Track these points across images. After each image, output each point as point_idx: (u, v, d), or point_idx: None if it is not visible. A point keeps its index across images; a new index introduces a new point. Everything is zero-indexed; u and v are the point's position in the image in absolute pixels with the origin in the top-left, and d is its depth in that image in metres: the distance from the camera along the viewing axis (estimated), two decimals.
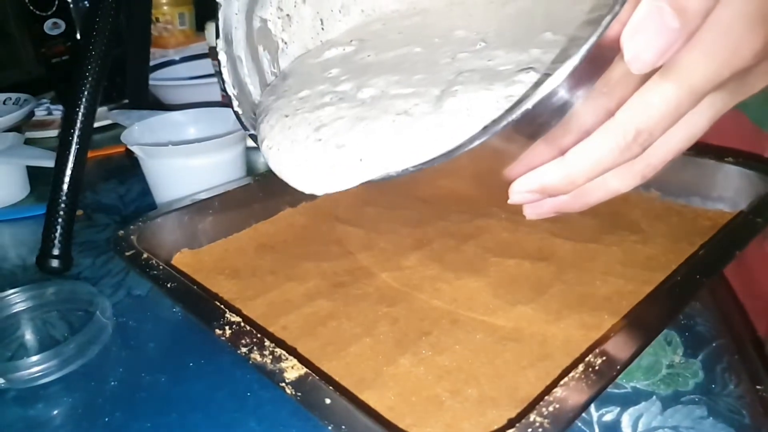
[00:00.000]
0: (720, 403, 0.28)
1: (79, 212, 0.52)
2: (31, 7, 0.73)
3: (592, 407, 0.28)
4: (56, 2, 0.73)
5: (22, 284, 0.39)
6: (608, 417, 0.28)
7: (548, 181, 0.21)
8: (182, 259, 0.38)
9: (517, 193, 0.22)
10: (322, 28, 0.36)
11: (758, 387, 0.29)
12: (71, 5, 0.73)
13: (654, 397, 0.29)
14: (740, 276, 0.44)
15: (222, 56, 0.33)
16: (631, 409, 0.28)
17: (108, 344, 0.35)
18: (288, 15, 0.35)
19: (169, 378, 0.32)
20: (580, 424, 0.27)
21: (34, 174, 0.57)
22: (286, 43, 0.35)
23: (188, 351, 0.33)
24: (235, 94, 0.31)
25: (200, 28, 0.86)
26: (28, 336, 0.37)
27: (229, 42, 0.33)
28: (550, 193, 0.22)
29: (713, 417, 0.27)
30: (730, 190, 0.39)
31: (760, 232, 0.31)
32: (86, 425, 0.30)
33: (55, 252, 0.41)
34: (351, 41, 0.33)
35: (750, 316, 0.46)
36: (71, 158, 0.42)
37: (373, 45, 0.32)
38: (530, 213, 0.24)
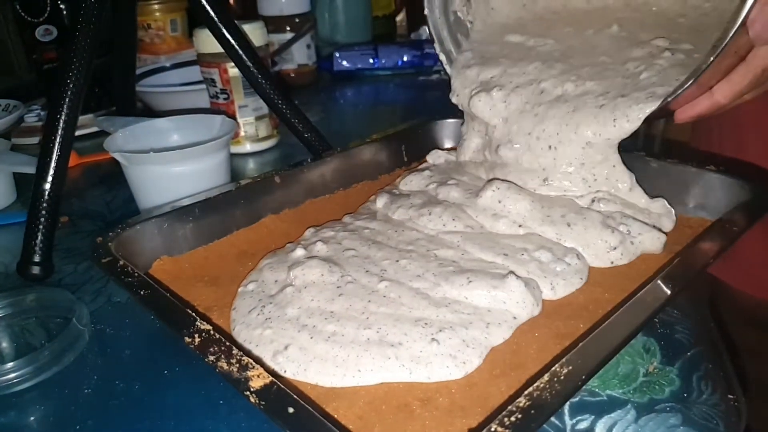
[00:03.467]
0: (694, 411, 0.28)
1: (64, 219, 0.52)
2: (23, 14, 0.73)
3: (567, 415, 0.28)
4: (48, 9, 0.73)
5: (3, 291, 0.39)
6: (582, 425, 0.28)
7: (704, 110, 0.33)
8: (162, 267, 0.38)
9: (681, 119, 0.35)
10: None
11: (730, 396, 0.29)
12: (64, 12, 0.74)
13: (629, 405, 0.28)
14: None
15: (441, 56, 0.45)
16: (605, 418, 0.28)
17: (84, 352, 0.35)
18: (469, 1, 0.47)
19: (143, 386, 0.32)
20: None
21: (21, 181, 0.57)
22: (471, 23, 0.47)
23: (164, 359, 0.33)
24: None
25: (192, 34, 0.86)
26: (5, 343, 0.37)
27: (440, 41, 0.45)
28: (704, 116, 0.34)
29: (686, 425, 0.27)
30: (711, 198, 0.38)
31: (735, 241, 0.31)
32: None
33: (36, 259, 0.41)
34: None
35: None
36: (52, 165, 0.42)
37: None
38: (688, 121, 0.35)
